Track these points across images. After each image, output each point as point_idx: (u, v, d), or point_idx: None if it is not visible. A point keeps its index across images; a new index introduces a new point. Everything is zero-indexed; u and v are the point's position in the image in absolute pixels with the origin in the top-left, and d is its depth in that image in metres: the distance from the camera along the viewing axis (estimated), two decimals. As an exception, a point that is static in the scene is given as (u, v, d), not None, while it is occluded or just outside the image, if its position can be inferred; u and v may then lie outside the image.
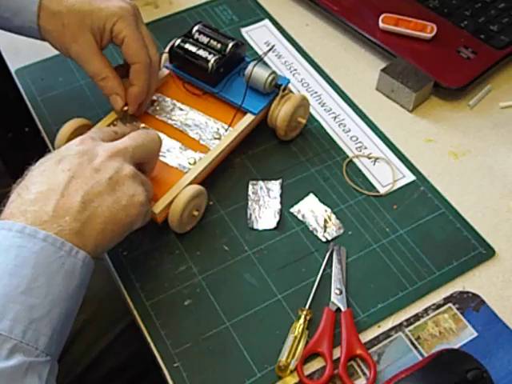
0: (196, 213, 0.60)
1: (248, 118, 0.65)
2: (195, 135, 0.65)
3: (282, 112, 0.65)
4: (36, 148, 0.75)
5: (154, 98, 0.68)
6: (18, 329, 0.43)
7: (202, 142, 0.64)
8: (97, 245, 0.49)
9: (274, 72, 0.65)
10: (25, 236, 0.45)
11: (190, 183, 0.60)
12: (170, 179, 0.60)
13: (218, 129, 0.65)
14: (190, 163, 0.62)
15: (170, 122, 0.66)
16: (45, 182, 0.49)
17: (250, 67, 0.65)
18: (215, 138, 0.64)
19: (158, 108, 0.67)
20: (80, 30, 0.59)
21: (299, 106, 0.66)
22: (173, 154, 0.63)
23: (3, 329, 0.42)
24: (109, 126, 0.64)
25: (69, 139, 0.61)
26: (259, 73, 0.65)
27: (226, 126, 0.65)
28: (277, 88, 0.66)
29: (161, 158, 0.62)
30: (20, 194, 0.48)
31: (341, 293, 0.58)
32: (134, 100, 0.62)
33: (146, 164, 0.57)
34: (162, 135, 0.64)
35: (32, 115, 0.73)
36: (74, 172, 0.49)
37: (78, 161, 0.50)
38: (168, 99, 0.68)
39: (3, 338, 0.42)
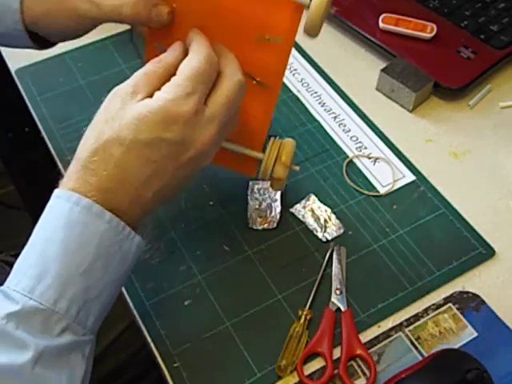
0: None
1: None
2: None
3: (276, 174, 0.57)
4: (36, 148, 0.75)
5: None
6: (73, 309, 0.43)
7: None
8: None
9: None
10: (91, 215, 0.44)
11: None
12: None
13: None
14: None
15: None
16: (125, 168, 0.45)
17: None
18: None
19: None
20: None
21: (290, 161, 0.58)
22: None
23: (61, 308, 0.42)
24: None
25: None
26: None
27: None
28: None
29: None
30: (99, 175, 0.45)
31: (341, 293, 0.58)
32: None
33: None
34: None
35: (32, 115, 0.73)
36: (158, 165, 0.46)
37: (168, 152, 0.46)
38: None
39: (59, 316, 0.42)
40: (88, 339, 0.45)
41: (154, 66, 0.48)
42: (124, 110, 0.46)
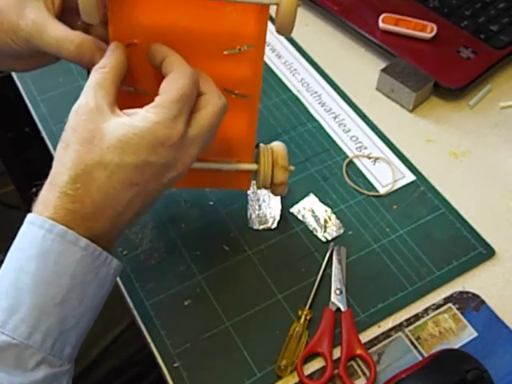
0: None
1: None
2: None
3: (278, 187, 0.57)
4: (36, 148, 0.75)
5: None
6: (48, 342, 0.42)
7: None
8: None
9: None
10: (65, 242, 0.42)
11: None
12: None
13: None
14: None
15: None
16: (108, 192, 0.43)
17: None
18: None
19: None
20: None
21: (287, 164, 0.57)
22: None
23: (35, 342, 0.41)
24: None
25: None
26: None
27: None
28: None
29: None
30: (81, 201, 0.43)
31: (341, 293, 0.58)
32: None
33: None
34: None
35: (32, 115, 0.73)
36: (141, 188, 0.44)
37: (151, 174, 0.44)
38: None
39: (33, 350, 0.41)
40: (66, 369, 0.43)
41: (101, 73, 0.46)
42: (101, 130, 0.43)
